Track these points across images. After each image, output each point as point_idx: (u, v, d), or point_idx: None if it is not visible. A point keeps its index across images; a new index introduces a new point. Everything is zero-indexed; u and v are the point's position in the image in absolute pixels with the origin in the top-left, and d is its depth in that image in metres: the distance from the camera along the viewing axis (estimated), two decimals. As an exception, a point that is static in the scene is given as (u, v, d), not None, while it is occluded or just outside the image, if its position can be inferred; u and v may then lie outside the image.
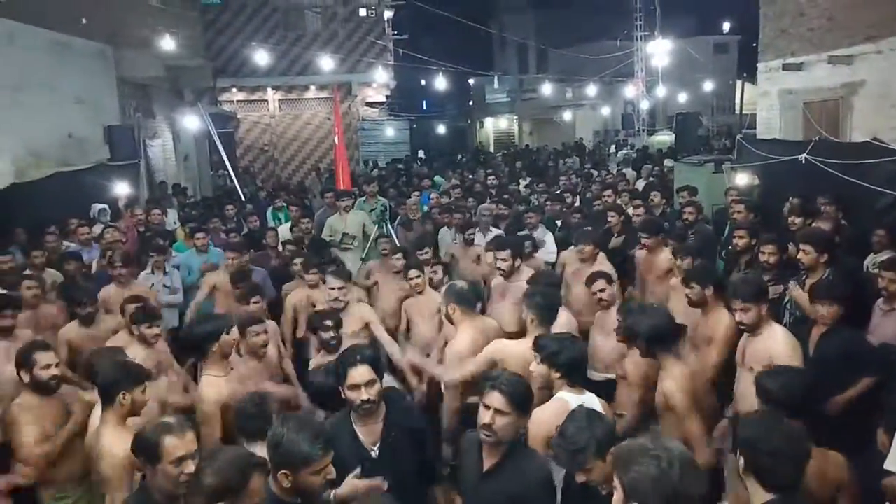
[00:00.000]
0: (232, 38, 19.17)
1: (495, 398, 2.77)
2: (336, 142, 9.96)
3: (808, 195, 6.96)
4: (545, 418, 3.08)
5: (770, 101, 12.28)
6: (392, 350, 5.00)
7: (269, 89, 20.65)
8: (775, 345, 3.77)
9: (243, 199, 10.26)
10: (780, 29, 11.79)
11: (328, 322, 4.42)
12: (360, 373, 3.02)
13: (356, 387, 3.02)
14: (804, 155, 7.40)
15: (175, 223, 9.53)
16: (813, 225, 6.06)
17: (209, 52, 18.27)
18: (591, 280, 5.01)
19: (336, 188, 9.50)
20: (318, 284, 5.74)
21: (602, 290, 4.89)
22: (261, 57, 17.61)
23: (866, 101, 10.05)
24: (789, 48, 11.60)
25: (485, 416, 2.77)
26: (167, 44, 12.47)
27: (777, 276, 5.25)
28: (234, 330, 3.89)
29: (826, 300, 4.21)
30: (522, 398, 2.80)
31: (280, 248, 7.62)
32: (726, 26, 35.32)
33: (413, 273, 5.64)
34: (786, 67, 11.52)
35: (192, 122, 14.57)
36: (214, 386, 3.68)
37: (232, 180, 10.88)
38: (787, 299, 4.95)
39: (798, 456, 2.29)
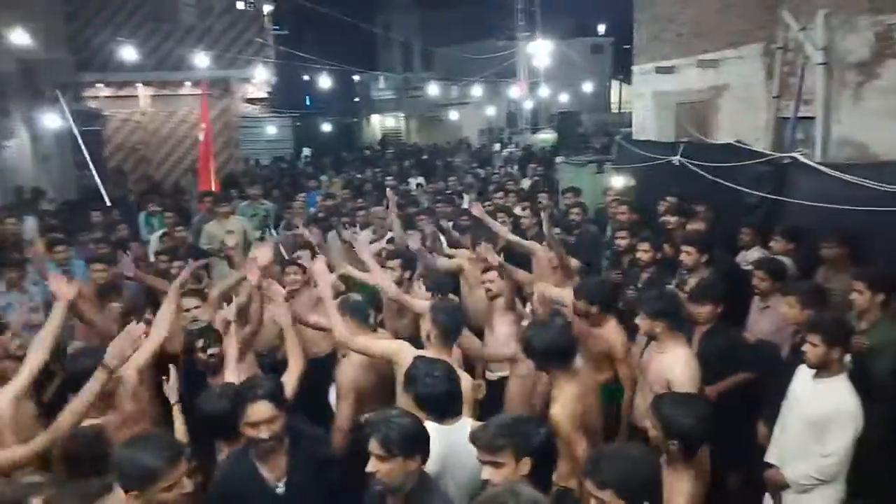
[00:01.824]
0: (97, 31, 17.82)
1: (372, 443, 2.56)
2: (201, 139, 9.40)
3: (681, 195, 7.27)
4: None
5: (644, 102, 12.85)
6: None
7: (139, 85, 19.36)
8: (675, 367, 3.71)
9: (108, 203, 9.44)
10: (653, 34, 12.35)
11: (201, 341, 3.99)
12: (259, 410, 2.78)
13: (255, 424, 2.78)
14: (677, 157, 7.73)
15: (33, 232, 8.66)
16: (688, 226, 6.32)
17: (72, 45, 16.89)
18: (482, 272, 4.97)
19: (204, 190, 8.97)
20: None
21: (491, 282, 4.84)
22: (129, 51, 16.47)
23: (731, 103, 10.70)
24: (661, 52, 12.17)
25: (369, 464, 2.59)
26: (20, 36, 11.37)
27: (654, 274, 5.44)
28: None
29: (703, 300, 4.37)
30: (400, 440, 2.53)
31: (152, 258, 7.09)
32: (601, 28, 36.87)
33: (290, 269, 5.43)
34: (659, 70, 12.08)
35: (52, 120, 13.38)
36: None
37: (94, 182, 10.01)
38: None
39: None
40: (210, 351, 3.94)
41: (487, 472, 2.53)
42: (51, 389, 4.26)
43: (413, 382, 3.02)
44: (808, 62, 8.67)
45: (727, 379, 4.24)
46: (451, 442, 2.85)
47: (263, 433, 2.77)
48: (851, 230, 4.98)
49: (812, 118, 8.73)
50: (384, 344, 3.80)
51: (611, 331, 4.33)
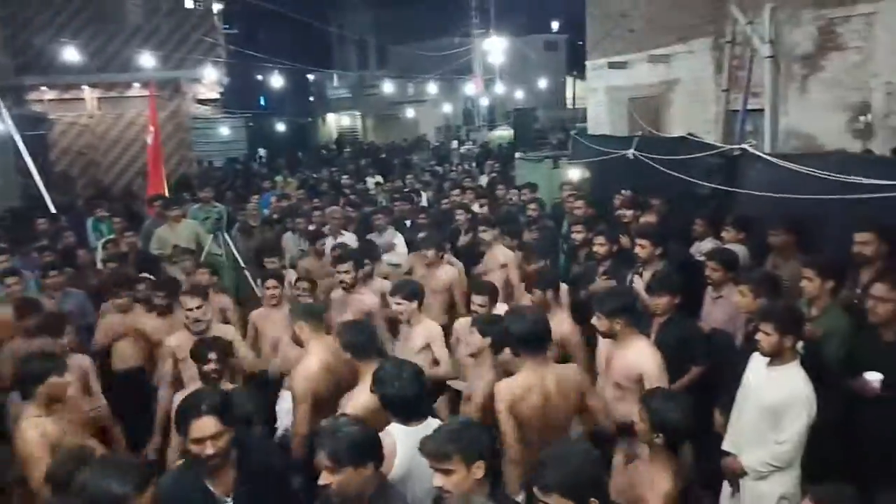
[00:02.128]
0: (39, 32, 17.22)
1: (321, 455, 2.51)
2: (150, 142, 9.13)
3: (636, 188, 7.34)
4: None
5: (598, 98, 12.99)
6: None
7: (85, 87, 18.78)
8: (644, 361, 3.76)
9: (52, 210, 9.11)
10: (605, 30, 12.49)
11: (212, 353, 3.86)
12: (204, 425, 2.66)
13: (200, 440, 2.67)
14: (632, 151, 7.80)
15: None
16: (641, 218, 6.38)
17: (11, 48, 16.31)
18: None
19: (153, 193, 8.72)
20: (130, 307, 5.28)
21: (482, 306, 4.65)
22: (74, 53, 15.96)
23: (682, 97, 10.89)
24: (614, 48, 12.31)
25: (321, 477, 2.53)
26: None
27: (611, 267, 5.47)
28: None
29: (660, 292, 4.41)
30: (348, 450, 2.48)
31: (101, 265, 6.86)
32: (555, 25, 37.16)
33: (270, 283, 5.28)
34: (612, 66, 12.22)
35: (-11, 125, 12.87)
36: (37, 426, 3.31)
37: (39, 189, 9.65)
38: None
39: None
40: (214, 366, 3.86)
41: (439, 480, 2.49)
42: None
43: (380, 384, 2.99)
44: (755, 56, 8.86)
45: (683, 373, 4.29)
46: (417, 444, 2.81)
47: (209, 449, 2.65)
48: (798, 218, 5.08)
49: (761, 110, 8.93)
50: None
51: (562, 322, 4.34)
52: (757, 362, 3.52)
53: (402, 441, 2.80)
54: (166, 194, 8.78)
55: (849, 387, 3.55)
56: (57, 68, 17.43)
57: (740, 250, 5.34)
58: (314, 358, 3.78)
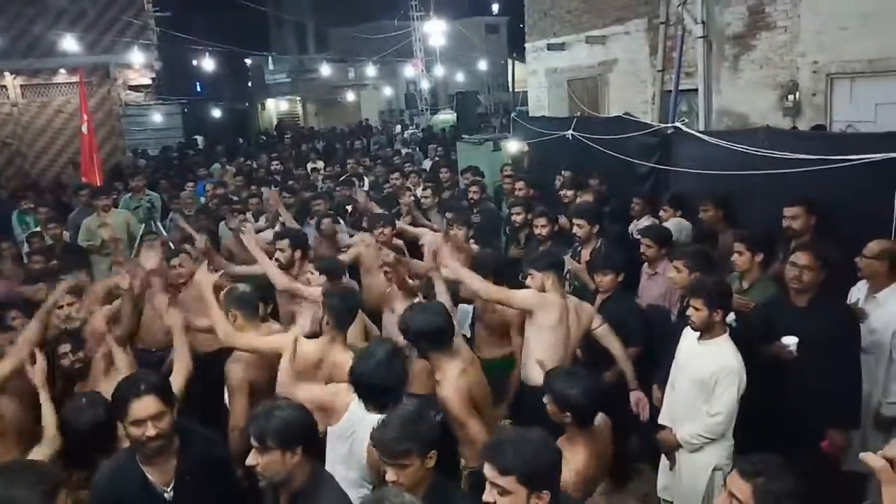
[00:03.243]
0: (-50, 15, 16.28)
1: (251, 434, 2.50)
2: (84, 130, 8.71)
3: (575, 168, 7.41)
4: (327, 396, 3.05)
5: (538, 80, 13.03)
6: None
7: (6, 74, 17.88)
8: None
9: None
10: (543, 11, 12.51)
11: (65, 347, 3.73)
12: (144, 405, 2.57)
13: (140, 422, 2.57)
14: (570, 132, 7.85)
15: None
16: (580, 198, 6.45)
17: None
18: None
19: (86, 184, 8.36)
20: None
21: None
22: (-8, 37, 15.14)
23: (619, 78, 11.01)
24: (552, 29, 12.35)
25: (249, 456, 2.50)
26: None
27: (551, 247, 5.51)
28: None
29: (603, 269, 4.48)
30: (276, 432, 2.44)
31: (25, 259, 6.55)
32: (496, 7, 37.15)
33: (175, 261, 5.07)
34: (550, 47, 12.26)
35: None
36: None
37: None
38: (566, 270, 5.18)
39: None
40: (74, 356, 3.74)
41: (392, 475, 2.46)
42: None
43: (354, 373, 2.99)
44: (688, 36, 9.00)
45: (629, 345, 4.35)
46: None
47: (150, 430, 2.57)
48: (725, 193, 5.22)
49: (695, 90, 9.10)
50: (271, 339, 3.64)
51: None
52: (688, 337, 3.59)
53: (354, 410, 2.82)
54: (100, 184, 8.42)
55: (768, 352, 3.65)
56: (-27, 54, 16.55)
57: (685, 226, 5.46)
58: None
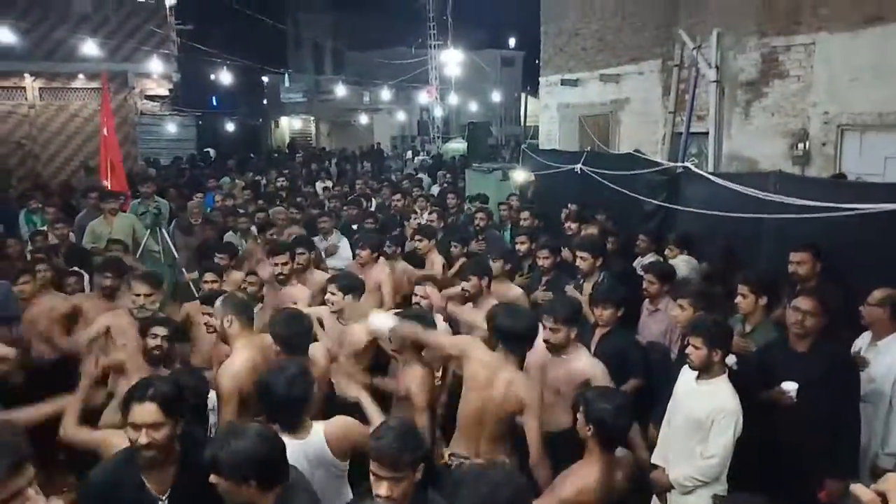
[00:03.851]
0: (-26, 15, 16.49)
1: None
2: (106, 133, 8.71)
3: (582, 202, 7.44)
4: None
5: (550, 114, 13.14)
6: None
7: (26, 75, 18.09)
8: (589, 367, 3.78)
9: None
10: (559, 47, 12.65)
11: (159, 329, 3.95)
12: (145, 411, 2.54)
13: (137, 427, 2.54)
14: (579, 165, 7.90)
15: None
16: (584, 231, 6.46)
17: (-55, 29, 15.57)
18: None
19: (103, 189, 8.39)
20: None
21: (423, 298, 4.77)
22: (14, 38, 15.32)
23: (631, 117, 11.09)
24: (566, 65, 12.48)
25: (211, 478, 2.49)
26: None
27: (552, 279, 5.50)
28: None
29: (603, 303, 4.44)
30: (228, 465, 2.42)
31: (28, 256, 6.55)
32: (512, 42, 37.62)
33: (209, 276, 5.23)
34: (564, 83, 12.38)
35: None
36: None
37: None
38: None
39: None
40: (159, 342, 3.96)
41: (385, 489, 2.42)
42: None
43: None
44: (701, 79, 9.08)
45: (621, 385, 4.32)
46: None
47: (143, 438, 2.53)
48: (736, 235, 5.22)
49: (705, 133, 9.15)
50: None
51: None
52: (686, 375, 3.55)
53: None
54: (127, 190, 8.40)
55: (767, 396, 3.60)
56: (-4, 54, 16.75)
57: (695, 265, 5.45)
58: (241, 356, 3.64)
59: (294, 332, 3.60)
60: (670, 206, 6.34)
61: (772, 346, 3.87)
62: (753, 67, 8.68)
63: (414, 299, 4.84)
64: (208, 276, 5.26)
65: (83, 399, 3.42)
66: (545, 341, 3.82)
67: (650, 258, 5.88)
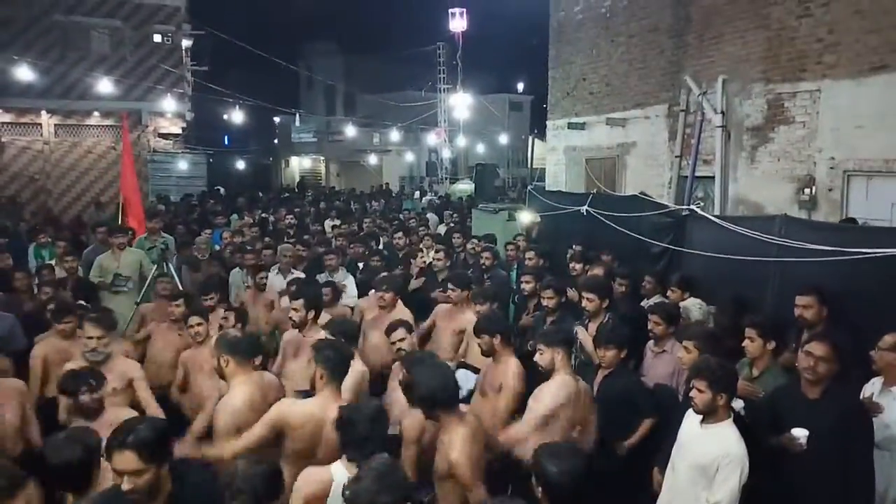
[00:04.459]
0: (-1, 53, 16.92)
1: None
2: (123, 172, 8.77)
3: (588, 243, 7.44)
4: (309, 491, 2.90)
5: (557, 157, 13.24)
6: (155, 413, 4.35)
7: (43, 112, 18.46)
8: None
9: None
10: (566, 91, 12.82)
11: (88, 382, 3.71)
12: (124, 459, 2.52)
13: (119, 473, 2.54)
14: (585, 207, 7.92)
15: None
16: (589, 272, 6.43)
17: (-34, 67, 15.99)
18: (390, 329, 4.76)
19: (121, 224, 8.44)
20: (73, 333, 4.93)
21: (401, 340, 4.66)
22: (32, 76, 15.69)
23: (637, 160, 11.17)
24: (573, 109, 12.63)
25: None
26: None
27: (557, 319, 5.47)
28: None
29: (606, 344, 4.41)
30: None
31: (35, 290, 6.58)
32: (521, 86, 38.20)
33: (194, 320, 5.08)
34: (570, 126, 12.51)
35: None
36: None
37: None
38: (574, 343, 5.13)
39: None
40: (95, 395, 3.71)
41: None
42: None
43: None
44: (707, 124, 9.17)
45: (627, 426, 4.27)
46: None
47: (126, 485, 2.52)
48: (742, 278, 5.19)
49: (711, 177, 9.19)
50: (261, 425, 3.47)
51: (508, 365, 4.31)
52: (691, 420, 3.48)
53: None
54: (144, 227, 8.40)
55: (777, 442, 3.53)
56: (14, 91, 17.12)
57: (706, 308, 5.41)
58: (239, 392, 3.62)
59: (344, 359, 3.63)
60: (676, 248, 6.32)
61: (781, 392, 3.80)
62: (759, 113, 8.76)
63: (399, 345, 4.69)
64: (192, 321, 5.10)
65: None
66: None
67: (656, 299, 5.85)
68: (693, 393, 3.35)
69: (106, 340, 4.43)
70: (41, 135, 18.79)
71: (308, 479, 2.97)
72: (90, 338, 4.39)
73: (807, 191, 8.10)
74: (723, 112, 8.97)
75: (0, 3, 17.16)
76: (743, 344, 4.16)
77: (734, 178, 9.10)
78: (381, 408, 3.08)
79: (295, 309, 4.98)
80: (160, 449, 2.63)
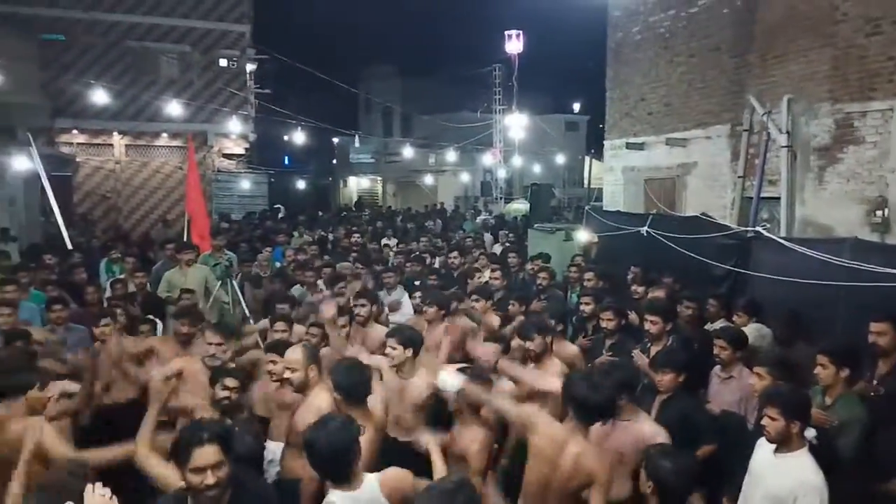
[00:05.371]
0: (75, 78, 17.86)
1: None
2: (189, 190, 9.07)
3: (647, 265, 7.32)
4: None
5: (615, 177, 13.10)
6: None
7: (115, 133, 19.35)
8: (651, 433, 3.70)
9: (69, 247, 9.21)
10: (624, 111, 12.70)
11: (230, 381, 4.03)
12: (207, 453, 2.61)
13: (200, 470, 2.60)
14: (645, 228, 7.81)
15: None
16: (650, 294, 6.32)
17: (48, 91, 16.91)
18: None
19: (185, 241, 8.72)
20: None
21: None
22: (106, 99, 16.48)
23: (698, 181, 10.95)
24: (632, 129, 12.50)
25: None
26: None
27: (618, 342, 5.38)
28: (56, 387, 3.68)
29: (664, 368, 4.31)
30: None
31: (105, 303, 6.86)
32: (577, 106, 38.05)
33: (279, 325, 5.36)
34: (629, 146, 12.37)
35: (21, 162, 13.19)
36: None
37: (59, 227, 9.83)
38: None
39: None
40: (228, 393, 4.03)
41: None
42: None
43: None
44: (772, 145, 8.94)
45: (687, 453, 4.15)
46: None
47: (210, 478, 2.59)
48: (810, 303, 5.02)
49: (777, 198, 8.94)
50: None
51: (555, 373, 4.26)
52: (764, 449, 3.37)
53: None
54: (210, 244, 8.66)
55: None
56: (89, 113, 17.99)
57: (766, 333, 5.26)
58: (323, 399, 3.69)
59: (355, 382, 3.61)
60: (741, 270, 6.17)
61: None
62: (826, 133, 8.50)
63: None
64: (279, 326, 5.34)
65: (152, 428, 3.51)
66: None
67: (720, 323, 5.71)
68: (765, 420, 3.24)
69: (224, 347, 4.71)
70: (113, 155, 19.68)
71: None
72: (210, 343, 4.69)
73: (878, 213, 7.79)
74: (788, 132, 8.74)
75: (80, 32, 18.13)
76: (815, 371, 4.02)
77: (801, 200, 8.83)
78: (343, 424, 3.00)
79: (362, 304, 5.34)
80: (231, 441, 2.76)
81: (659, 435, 3.66)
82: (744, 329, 5.29)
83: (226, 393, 4.00)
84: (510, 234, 14.09)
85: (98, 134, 19.23)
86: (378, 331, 5.60)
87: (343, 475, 2.89)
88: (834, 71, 8.37)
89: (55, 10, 17.78)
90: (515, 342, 4.87)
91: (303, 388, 3.86)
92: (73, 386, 4.12)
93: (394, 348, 4.42)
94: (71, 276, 7.85)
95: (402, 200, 33.58)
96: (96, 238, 14.37)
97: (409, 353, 4.41)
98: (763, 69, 9.49)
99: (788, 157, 8.77)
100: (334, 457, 2.86)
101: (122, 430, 4.48)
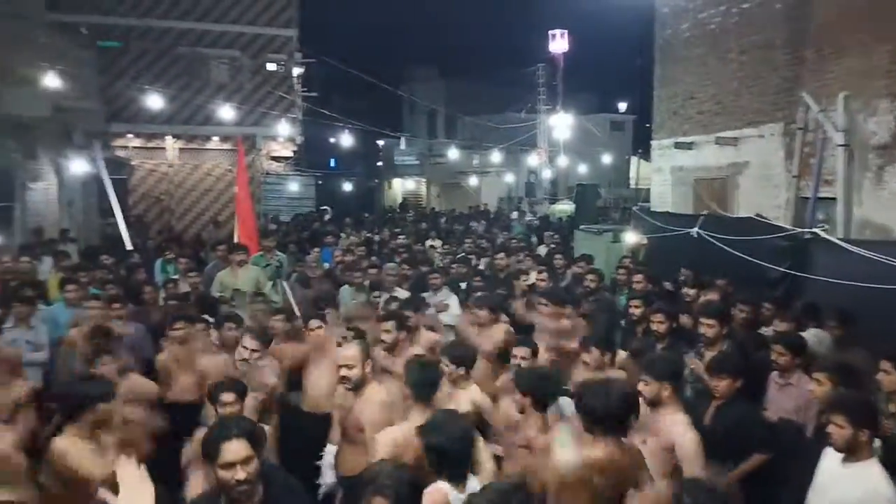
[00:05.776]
0: (130, 83, 18.41)
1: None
2: (238, 193, 9.27)
3: (698, 267, 7.17)
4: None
5: (663, 177, 12.89)
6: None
7: (168, 137, 19.89)
8: (680, 434, 3.55)
9: (129, 248, 9.52)
10: (672, 110, 12.50)
11: (225, 396, 3.76)
12: (235, 448, 2.64)
13: (230, 465, 2.63)
14: (696, 229, 7.67)
15: (50, 272, 8.71)
16: (703, 297, 6.19)
17: (104, 96, 17.47)
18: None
19: (236, 242, 8.91)
20: (185, 340, 5.34)
21: (524, 359, 4.52)
22: (160, 104, 16.95)
23: (750, 181, 10.70)
24: (681, 128, 12.28)
25: None
26: (53, 82, 11.71)
27: (668, 345, 5.28)
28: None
29: (720, 374, 4.21)
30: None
31: (162, 302, 7.06)
32: (623, 106, 37.58)
33: (314, 323, 5.30)
34: (677, 146, 12.16)
35: (79, 166, 13.69)
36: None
37: (119, 229, 10.17)
38: (687, 372, 4.95)
39: None
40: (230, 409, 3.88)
41: None
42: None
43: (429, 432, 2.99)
44: (828, 143, 8.68)
45: (740, 459, 4.05)
46: None
47: (240, 474, 2.62)
48: (870, 307, 4.86)
49: (833, 199, 8.68)
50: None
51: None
52: (830, 458, 3.26)
53: None
54: (258, 245, 8.81)
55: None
56: (144, 117, 18.52)
57: (824, 337, 5.11)
58: (385, 390, 3.86)
59: (423, 380, 3.68)
60: (797, 273, 6.01)
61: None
62: (886, 131, 8.21)
63: (513, 361, 4.62)
64: (313, 324, 5.30)
65: None
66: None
67: (776, 327, 5.56)
68: (831, 429, 3.14)
69: (259, 355, 4.67)
70: (166, 158, 20.23)
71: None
72: (245, 348, 4.65)
73: (943, 214, 7.51)
74: (845, 130, 8.48)
75: (134, 38, 18.69)
76: (877, 377, 3.89)
77: (859, 200, 8.55)
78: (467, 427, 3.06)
79: (386, 330, 5.04)
80: (260, 437, 2.80)
81: (683, 436, 3.52)
82: (802, 334, 5.15)
83: (224, 409, 3.74)
84: (556, 235, 14.00)
85: (151, 138, 19.79)
86: (427, 336, 5.60)
87: (460, 475, 2.91)
88: (893, 66, 8.07)
89: (111, 17, 18.37)
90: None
91: (361, 385, 3.89)
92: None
93: (447, 366, 4.34)
94: (132, 276, 8.10)
95: (446, 202, 33.66)
96: (151, 239, 14.79)
97: (461, 370, 4.34)
98: (818, 65, 9.22)
99: (845, 156, 8.50)
100: (458, 458, 2.91)
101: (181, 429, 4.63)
